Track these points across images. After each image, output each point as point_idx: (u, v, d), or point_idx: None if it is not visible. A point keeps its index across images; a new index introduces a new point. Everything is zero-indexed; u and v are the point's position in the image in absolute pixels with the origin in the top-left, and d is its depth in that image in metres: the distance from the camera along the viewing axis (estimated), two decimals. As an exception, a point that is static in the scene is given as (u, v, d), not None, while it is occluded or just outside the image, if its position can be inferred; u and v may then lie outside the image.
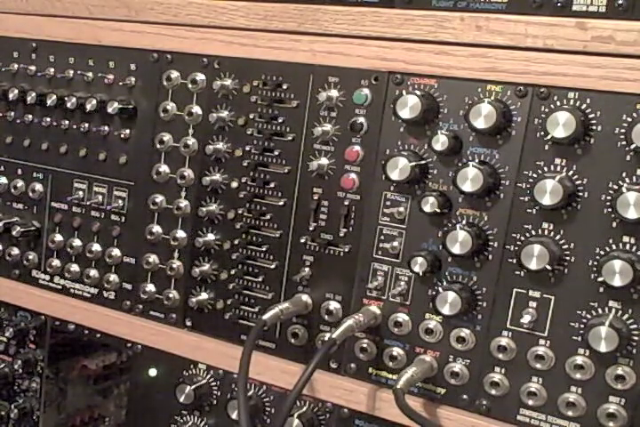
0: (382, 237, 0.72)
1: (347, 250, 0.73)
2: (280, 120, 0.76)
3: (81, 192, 0.89)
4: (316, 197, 0.74)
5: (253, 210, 0.78)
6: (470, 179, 0.65)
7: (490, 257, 0.67)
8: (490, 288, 0.67)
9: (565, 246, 0.64)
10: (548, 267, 0.62)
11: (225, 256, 0.80)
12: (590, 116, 0.62)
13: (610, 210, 0.61)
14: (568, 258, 0.64)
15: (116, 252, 0.87)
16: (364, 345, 0.72)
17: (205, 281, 0.81)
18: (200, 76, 0.80)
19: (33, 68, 0.91)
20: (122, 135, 0.85)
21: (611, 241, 0.62)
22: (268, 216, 0.77)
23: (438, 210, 0.67)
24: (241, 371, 0.70)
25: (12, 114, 0.93)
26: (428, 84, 0.68)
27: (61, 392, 1.01)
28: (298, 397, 0.68)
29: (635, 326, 0.62)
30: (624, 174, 0.61)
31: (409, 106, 0.67)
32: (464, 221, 0.67)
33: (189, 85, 0.80)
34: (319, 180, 0.74)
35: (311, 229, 0.75)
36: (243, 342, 0.74)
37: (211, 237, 0.80)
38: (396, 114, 0.68)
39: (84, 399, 1.05)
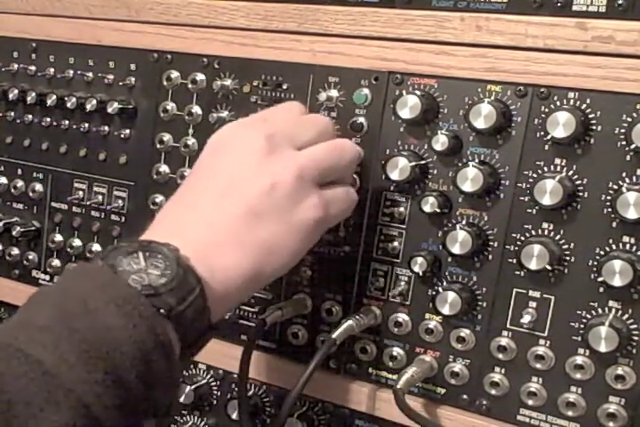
0: (382, 237, 0.72)
1: (347, 250, 0.73)
2: (280, 120, 0.76)
3: (81, 192, 0.89)
4: (316, 197, 0.74)
5: (253, 210, 0.78)
6: (470, 179, 0.65)
7: (490, 257, 0.67)
8: (490, 288, 0.67)
9: (565, 246, 0.64)
10: (548, 267, 0.62)
11: (225, 256, 0.80)
12: (590, 116, 0.62)
13: (610, 210, 0.61)
14: (568, 258, 0.64)
15: (116, 252, 0.87)
16: (364, 345, 0.72)
17: (205, 281, 0.81)
18: (200, 76, 0.80)
19: (33, 68, 0.91)
20: (122, 135, 0.85)
21: (611, 241, 0.62)
22: (268, 216, 0.77)
23: (438, 210, 0.67)
24: (241, 371, 0.71)
25: (12, 114, 0.93)
26: (428, 84, 0.68)
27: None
28: (298, 397, 0.68)
29: (635, 326, 0.62)
30: (624, 174, 0.61)
31: (409, 106, 0.67)
32: (464, 221, 0.67)
33: (189, 85, 0.80)
34: (319, 180, 0.74)
35: (311, 229, 0.75)
36: (243, 341, 0.74)
37: None
38: (396, 114, 0.68)
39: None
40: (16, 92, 0.90)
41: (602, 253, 0.62)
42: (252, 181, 0.61)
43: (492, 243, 0.67)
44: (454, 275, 0.68)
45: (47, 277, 0.92)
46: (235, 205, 0.60)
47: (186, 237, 0.57)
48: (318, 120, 0.69)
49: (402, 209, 0.70)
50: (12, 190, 0.93)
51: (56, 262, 0.91)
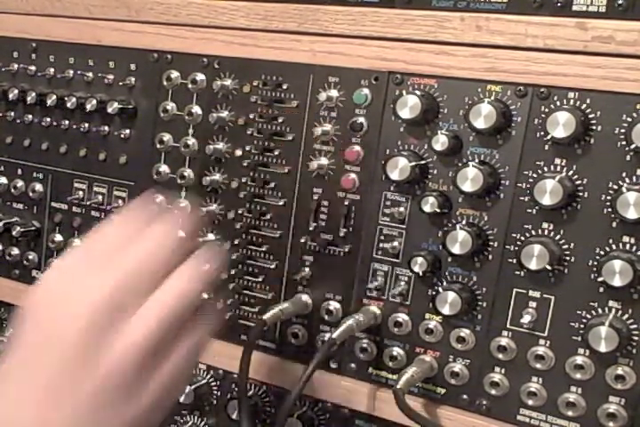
0: (382, 237, 0.72)
1: (347, 250, 0.73)
2: (280, 120, 0.76)
3: (81, 192, 0.89)
4: (315, 197, 0.74)
5: (253, 210, 0.78)
6: (470, 179, 0.65)
7: (490, 257, 0.67)
8: (490, 288, 0.67)
9: (565, 246, 0.64)
10: (548, 267, 0.62)
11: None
12: (590, 116, 0.62)
13: (610, 210, 0.61)
14: (568, 258, 0.64)
15: (116, 252, 0.87)
16: (364, 345, 0.72)
17: (205, 281, 0.81)
18: (200, 76, 0.80)
19: (33, 68, 0.91)
20: (122, 135, 0.85)
21: (611, 241, 0.62)
22: (268, 216, 0.77)
23: (438, 210, 0.67)
24: (241, 371, 0.71)
25: (12, 114, 0.93)
26: (428, 84, 0.68)
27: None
28: (298, 397, 0.68)
29: (635, 326, 0.62)
30: (624, 174, 0.61)
31: (409, 106, 0.67)
32: (464, 221, 0.67)
33: (189, 85, 0.80)
34: (319, 180, 0.74)
35: (311, 229, 0.75)
36: (243, 342, 0.74)
37: (211, 237, 0.80)
38: (396, 114, 0.68)
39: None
40: (16, 92, 0.90)
41: (602, 253, 0.62)
42: (76, 383, 0.50)
43: (492, 243, 0.67)
44: (454, 275, 0.68)
45: (47, 277, 0.92)
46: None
47: None
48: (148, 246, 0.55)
49: (402, 209, 0.70)
50: (12, 190, 0.93)
51: (56, 262, 0.91)
